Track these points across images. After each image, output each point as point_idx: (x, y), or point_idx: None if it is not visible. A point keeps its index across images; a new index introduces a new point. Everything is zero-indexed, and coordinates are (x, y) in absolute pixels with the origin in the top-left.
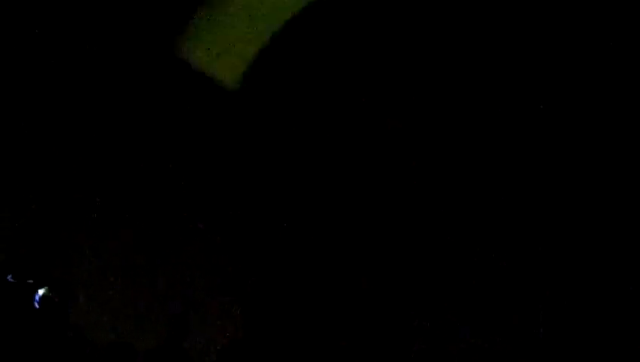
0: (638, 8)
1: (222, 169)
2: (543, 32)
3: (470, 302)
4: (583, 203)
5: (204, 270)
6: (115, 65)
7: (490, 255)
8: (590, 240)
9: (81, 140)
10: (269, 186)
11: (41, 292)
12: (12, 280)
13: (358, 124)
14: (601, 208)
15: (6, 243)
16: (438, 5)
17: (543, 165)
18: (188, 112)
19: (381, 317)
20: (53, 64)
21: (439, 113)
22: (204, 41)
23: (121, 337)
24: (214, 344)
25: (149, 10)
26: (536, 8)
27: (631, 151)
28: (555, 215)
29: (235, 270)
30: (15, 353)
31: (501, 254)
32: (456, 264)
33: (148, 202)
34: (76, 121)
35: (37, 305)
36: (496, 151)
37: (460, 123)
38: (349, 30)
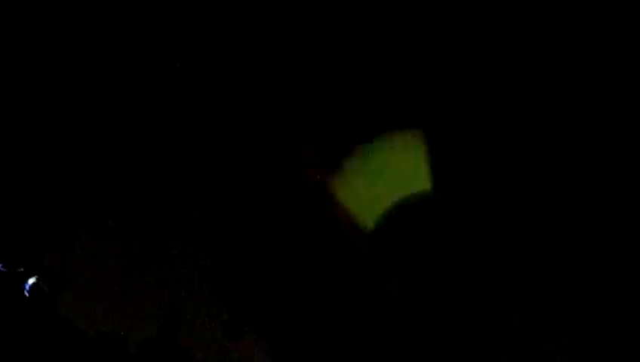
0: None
1: (219, 163)
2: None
3: (476, 303)
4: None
5: (197, 262)
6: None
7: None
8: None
9: (77, 131)
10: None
11: (31, 281)
12: (2, 268)
13: None
14: (602, 210)
15: None
16: None
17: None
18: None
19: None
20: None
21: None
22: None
23: (113, 328)
24: (206, 335)
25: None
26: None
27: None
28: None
29: (227, 263)
30: (4, 341)
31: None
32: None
33: (142, 192)
34: (74, 112)
35: (27, 294)
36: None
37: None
38: None
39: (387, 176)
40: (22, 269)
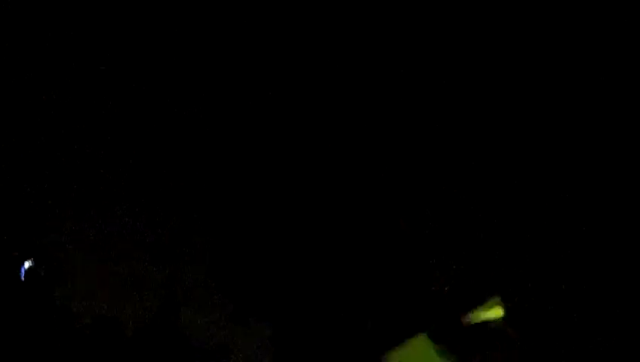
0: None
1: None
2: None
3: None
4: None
5: (197, 251)
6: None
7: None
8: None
9: (78, 120)
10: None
11: (26, 264)
12: None
13: None
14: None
15: None
16: None
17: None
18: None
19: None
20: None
21: None
22: None
23: (109, 312)
24: (204, 320)
25: None
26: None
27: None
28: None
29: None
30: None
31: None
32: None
33: (137, 175)
34: (72, 106)
35: (22, 278)
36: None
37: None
38: None
39: None
40: (17, 253)
